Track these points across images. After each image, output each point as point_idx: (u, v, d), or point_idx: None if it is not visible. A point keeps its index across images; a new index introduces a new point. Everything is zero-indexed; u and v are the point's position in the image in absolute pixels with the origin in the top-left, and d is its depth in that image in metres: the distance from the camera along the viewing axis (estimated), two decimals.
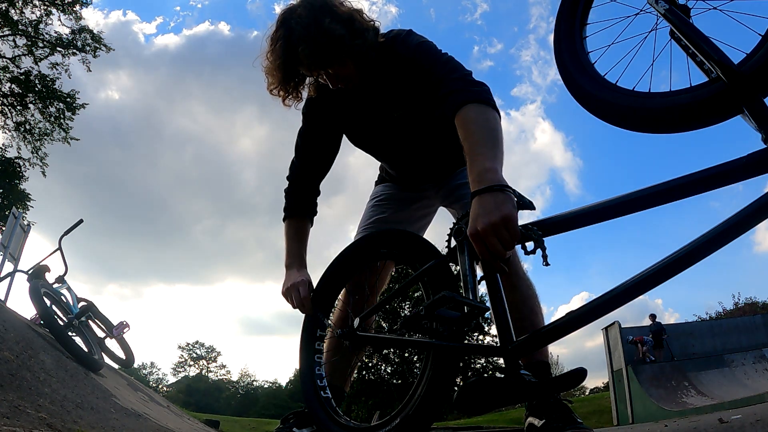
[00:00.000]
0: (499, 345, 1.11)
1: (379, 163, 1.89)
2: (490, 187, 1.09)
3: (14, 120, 15.78)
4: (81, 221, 4.52)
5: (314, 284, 1.59)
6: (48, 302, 3.53)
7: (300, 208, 1.67)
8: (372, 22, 1.46)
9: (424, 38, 1.47)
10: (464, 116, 1.26)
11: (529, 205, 1.12)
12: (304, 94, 1.55)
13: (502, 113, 1.34)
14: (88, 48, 16.03)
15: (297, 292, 1.54)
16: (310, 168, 1.68)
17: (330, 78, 1.44)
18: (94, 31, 16.12)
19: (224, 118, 74.81)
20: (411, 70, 1.44)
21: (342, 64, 1.41)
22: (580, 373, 1.02)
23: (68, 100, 15.93)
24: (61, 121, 16.02)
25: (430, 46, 1.44)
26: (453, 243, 1.23)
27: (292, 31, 1.36)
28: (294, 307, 1.56)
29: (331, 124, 1.63)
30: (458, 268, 1.21)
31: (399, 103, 1.53)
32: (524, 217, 1.20)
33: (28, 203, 16.33)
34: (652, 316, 14.69)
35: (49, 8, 15.42)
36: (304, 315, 1.58)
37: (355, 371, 1.77)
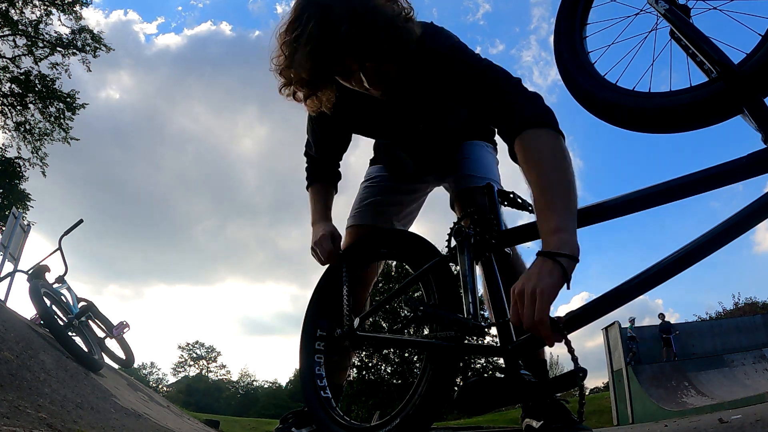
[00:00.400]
0: (499, 345, 1.11)
1: (373, 143, 1.84)
2: (554, 253, 0.96)
3: (14, 120, 15.78)
4: (81, 221, 4.52)
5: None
6: (48, 302, 3.53)
7: (321, 175, 1.67)
8: (410, 10, 1.18)
9: (453, 35, 1.26)
10: (530, 146, 1.07)
11: (527, 206, 1.13)
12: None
13: None
14: (88, 48, 16.03)
15: (322, 247, 1.51)
16: (324, 153, 1.66)
17: (367, 75, 1.17)
18: (95, 31, 16.15)
19: (225, 119, 74.98)
20: (441, 71, 1.21)
21: (392, 56, 1.14)
22: (580, 373, 1.02)
23: (68, 100, 15.93)
24: (61, 121, 16.02)
25: (464, 46, 1.23)
26: (453, 243, 1.23)
27: (328, 10, 1.08)
28: (322, 263, 1.54)
29: (341, 122, 1.48)
30: (458, 268, 1.21)
31: (426, 114, 1.40)
32: (525, 218, 1.20)
33: (28, 203, 16.33)
34: (661, 316, 14.67)
35: (49, 8, 15.42)
36: (305, 314, 1.58)
37: (354, 371, 1.77)
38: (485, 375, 1.10)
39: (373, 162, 1.86)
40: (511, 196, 1.24)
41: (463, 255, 1.18)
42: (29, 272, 3.99)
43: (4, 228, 9.49)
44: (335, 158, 1.68)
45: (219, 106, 73.95)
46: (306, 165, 1.69)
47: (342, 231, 1.62)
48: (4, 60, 15.35)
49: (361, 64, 1.14)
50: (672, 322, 14.85)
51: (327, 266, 1.57)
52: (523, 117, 1.09)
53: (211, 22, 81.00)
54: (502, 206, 1.23)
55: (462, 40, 1.25)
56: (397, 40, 1.12)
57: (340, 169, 1.71)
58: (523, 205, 1.15)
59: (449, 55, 1.20)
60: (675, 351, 13.71)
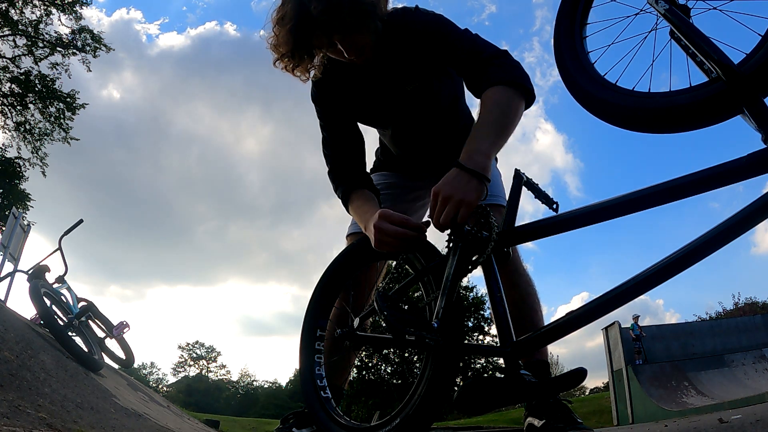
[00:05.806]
0: (499, 345, 1.11)
1: (375, 149, 1.86)
2: (474, 170, 1.15)
3: (14, 120, 15.79)
4: (81, 221, 4.52)
5: (314, 299, 1.55)
6: (48, 302, 3.53)
7: (353, 185, 1.52)
8: None
9: (435, 12, 1.44)
10: (490, 94, 1.27)
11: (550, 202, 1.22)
12: (311, 73, 1.44)
13: None
14: (88, 48, 16.04)
15: (386, 230, 1.23)
16: (341, 151, 1.57)
17: (344, 45, 1.32)
18: (95, 31, 16.16)
19: (229, 119, 74.87)
20: (425, 43, 1.40)
21: (357, 28, 1.29)
22: (580, 373, 1.02)
23: (68, 100, 15.94)
24: (61, 121, 16.03)
25: (446, 20, 1.43)
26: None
27: None
28: (396, 249, 1.27)
29: (343, 105, 1.56)
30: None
31: (412, 76, 1.49)
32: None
33: (28, 203, 16.33)
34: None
35: (49, 8, 15.42)
36: (305, 314, 1.58)
37: (354, 371, 1.77)
38: (485, 375, 1.11)
39: (372, 170, 1.86)
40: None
41: (453, 258, 1.17)
42: (29, 272, 3.99)
43: (4, 228, 9.49)
44: (355, 158, 1.57)
45: (222, 107, 73.99)
46: (334, 186, 1.56)
47: (342, 239, 1.61)
48: (4, 60, 15.37)
49: (329, 38, 1.29)
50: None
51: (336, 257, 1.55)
52: (504, 74, 1.29)
53: (216, 22, 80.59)
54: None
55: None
56: (361, 15, 1.27)
57: (372, 182, 1.58)
58: (546, 202, 1.18)
59: (433, 24, 1.40)
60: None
